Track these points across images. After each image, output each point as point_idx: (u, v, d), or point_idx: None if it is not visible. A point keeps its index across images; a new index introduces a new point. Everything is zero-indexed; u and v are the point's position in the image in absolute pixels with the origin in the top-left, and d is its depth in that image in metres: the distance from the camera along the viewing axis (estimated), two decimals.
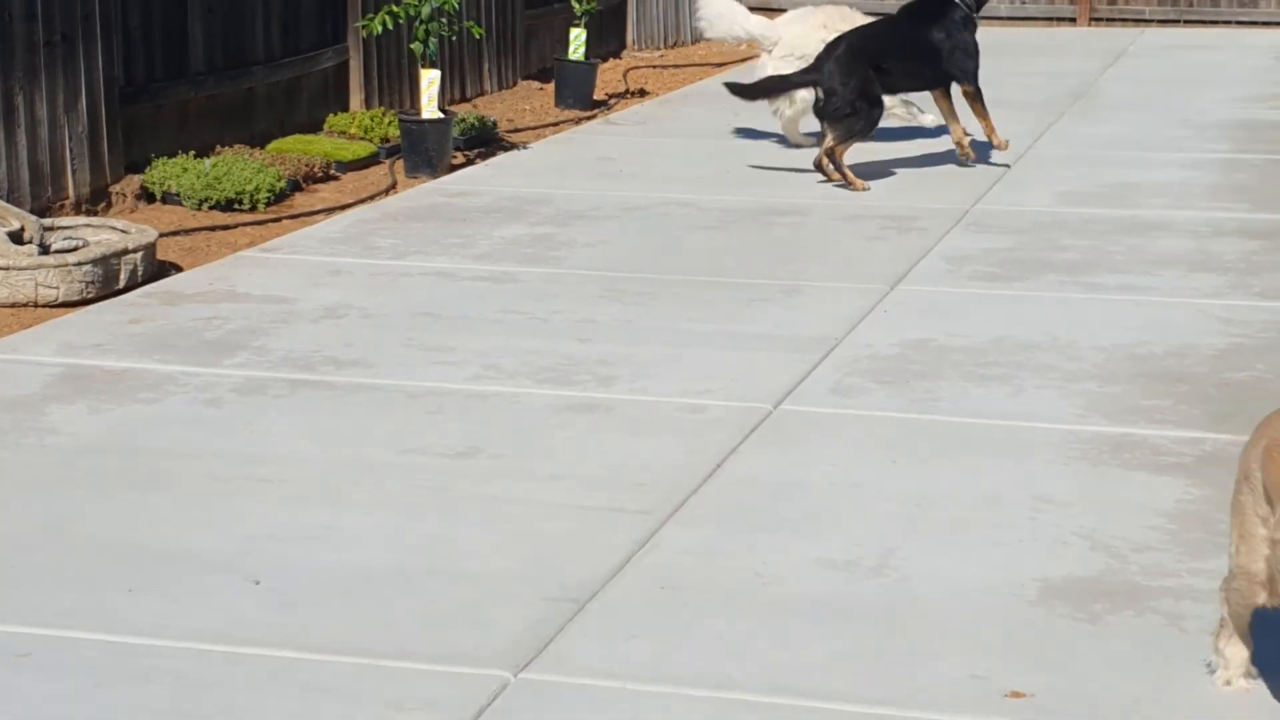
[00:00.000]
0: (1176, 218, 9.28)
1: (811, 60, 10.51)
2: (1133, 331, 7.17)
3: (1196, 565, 4.83)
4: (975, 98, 10.55)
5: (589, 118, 13.16)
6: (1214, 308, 7.52)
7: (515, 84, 14.35)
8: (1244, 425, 5.97)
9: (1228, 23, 18.31)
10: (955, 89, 10.57)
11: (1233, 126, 12.21)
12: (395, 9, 11.00)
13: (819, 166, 10.27)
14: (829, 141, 10.20)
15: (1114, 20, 18.45)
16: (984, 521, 5.17)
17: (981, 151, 10.75)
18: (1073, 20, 18.32)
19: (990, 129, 10.56)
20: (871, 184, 10.20)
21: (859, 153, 10.55)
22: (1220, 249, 8.57)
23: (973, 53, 10.56)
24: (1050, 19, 18.42)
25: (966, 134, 10.60)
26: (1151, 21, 18.39)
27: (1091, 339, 7.06)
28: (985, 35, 17.35)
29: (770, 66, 11.44)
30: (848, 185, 10.11)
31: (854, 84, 10.13)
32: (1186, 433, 5.94)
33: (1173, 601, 4.60)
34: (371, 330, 7.22)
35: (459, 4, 11.32)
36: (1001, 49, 15.37)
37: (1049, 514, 5.22)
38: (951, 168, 10.67)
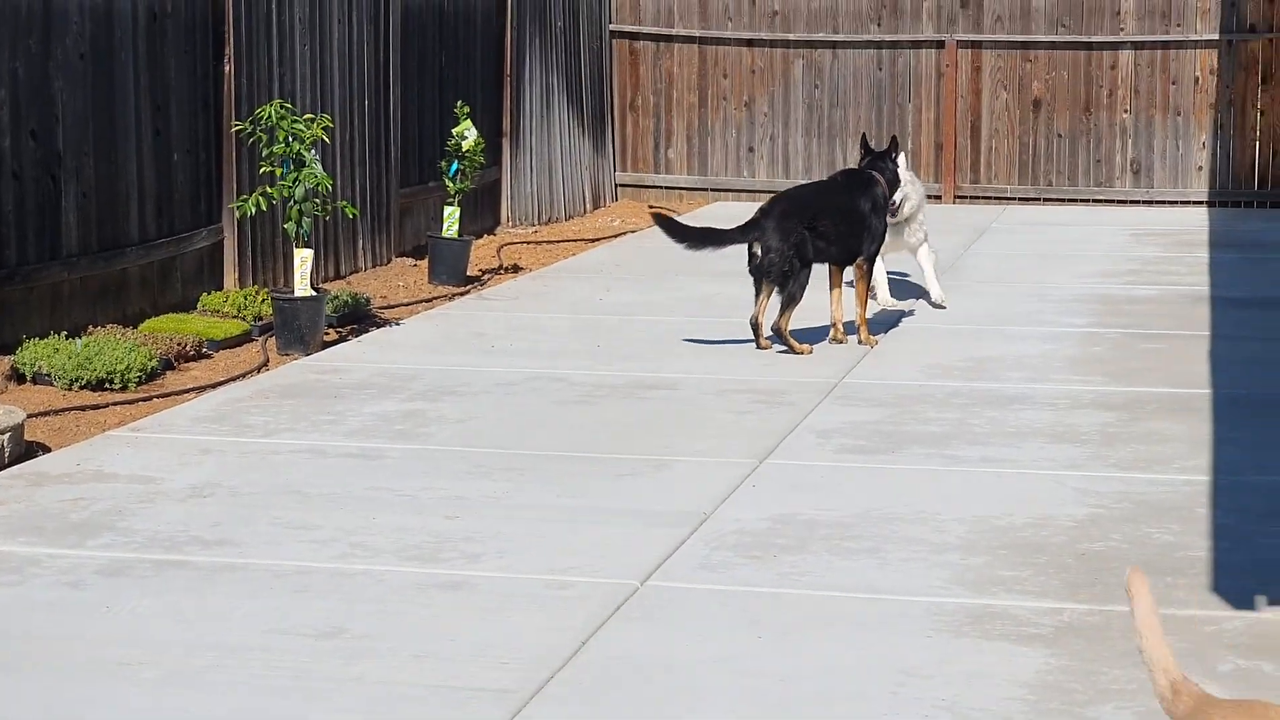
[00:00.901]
0: (1037, 390, 9.47)
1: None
2: (994, 503, 7.29)
3: None
4: (865, 279, 10.88)
5: (462, 294, 13.26)
6: (1072, 479, 7.67)
7: (390, 261, 14.44)
8: (1101, 595, 6.08)
9: (1085, 200, 18.79)
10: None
11: (1091, 300, 12.50)
12: (269, 190, 11.08)
13: (753, 325, 10.61)
14: (777, 318, 10.44)
15: (977, 198, 18.88)
16: (848, 696, 5.21)
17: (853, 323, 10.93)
18: (939, 198, 18.72)
19: (863, 320, 10.86)
20: (742, 357, 10.33)
21: (729, 320, 10.68)
22: (1078, 421, 8.74)
23: (878, 236, 10.90)
24: None
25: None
26: (1014, 199, 18.84)
27: (955, 511, 7.17)
28: None
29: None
30: (792, 351, 10.43)
31: (791, 243, 10.43)
32: (1045, 603, 6.03)
33: None
34: (239, 509, 7.20)
35: (332, 184, 11.42)
36: None
37: (912, 687, 5.27)
38: (821, 341, 10.83)
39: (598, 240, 16.55)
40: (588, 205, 18.93)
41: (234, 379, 10.06)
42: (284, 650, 5.56)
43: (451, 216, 13.85)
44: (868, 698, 5.18)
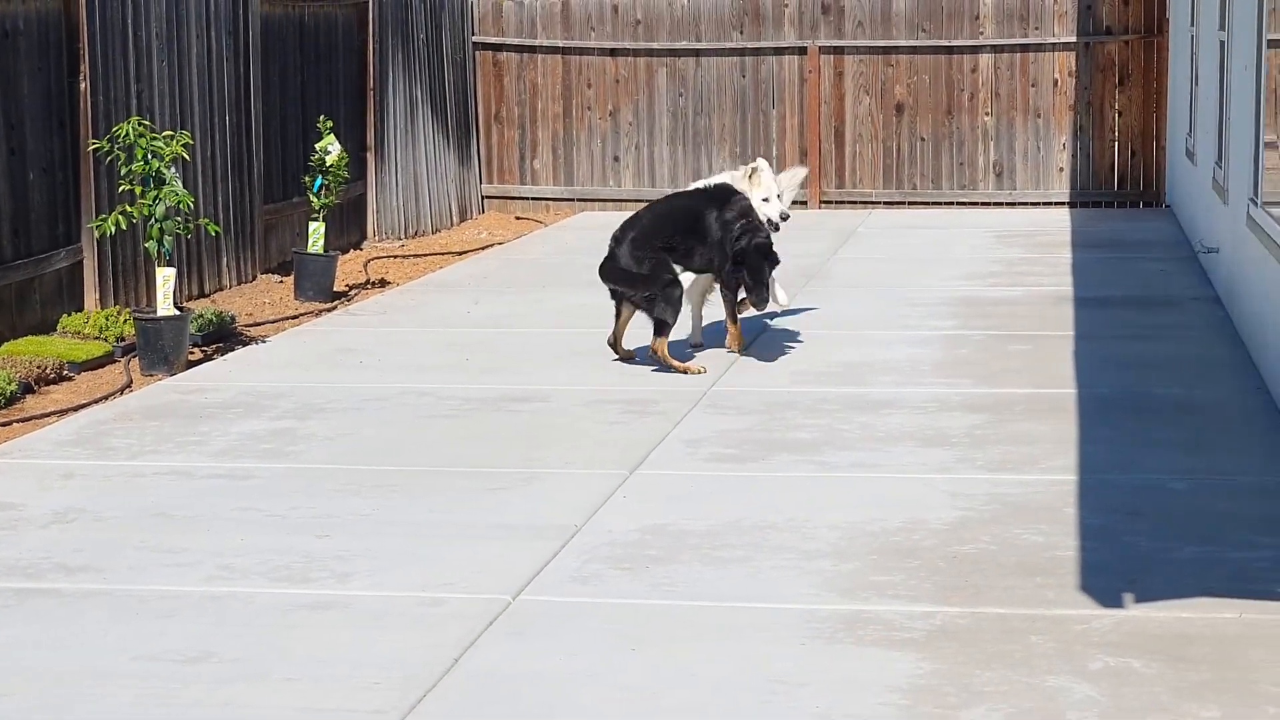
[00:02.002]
0: (905, 394, 9.52)
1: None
2: (865, 508, 7.31)
3: None
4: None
5: (329, 309, 13.16)
6: (942, 482, 7.71)
7: (255, 278, 14.30)
8: (972, 597, 6.12)
9: (950, 203, 18.96)
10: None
11: (956, 303, 12.60)
12: (129, 209, 10.94)
13: (612, 345, 10.54)
14: (652, 341, 10.27)
15: (843, 203, 19.00)
16: (721, 706, 5.20)
17: (717, 337, 10.94)
18: (804, 204, 18.81)
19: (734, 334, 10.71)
20: (612, 368, 10.32)
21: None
22: (947, 424, 8.80)
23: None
24: None
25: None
26: (878, 203, 18.98)
27: (826, 517, 7.19)
28: None
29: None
30: (674, 371, 10.15)
31: (647, 265, 10.33)
32: (918, 607, 6.06)
33: None
34: (103, 533, 7.08)
35: (194, 201, 11.29)
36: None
37: (784, 696, 5.27)
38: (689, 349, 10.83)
39: (465, 253, 16.49)
40: (455, 218, 18.85)
41: (96, 401, 9.91)
42: (152, 676, 5.47)
43: (317, 232, 13.74)
44: (740, 708, 5.18)
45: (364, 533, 7.06)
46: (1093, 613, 5.95)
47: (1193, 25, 15.56)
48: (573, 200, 19.61)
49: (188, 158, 11.71)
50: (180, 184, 10.98)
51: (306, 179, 13.97)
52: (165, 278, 10.81)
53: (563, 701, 5.25)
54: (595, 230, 17.88)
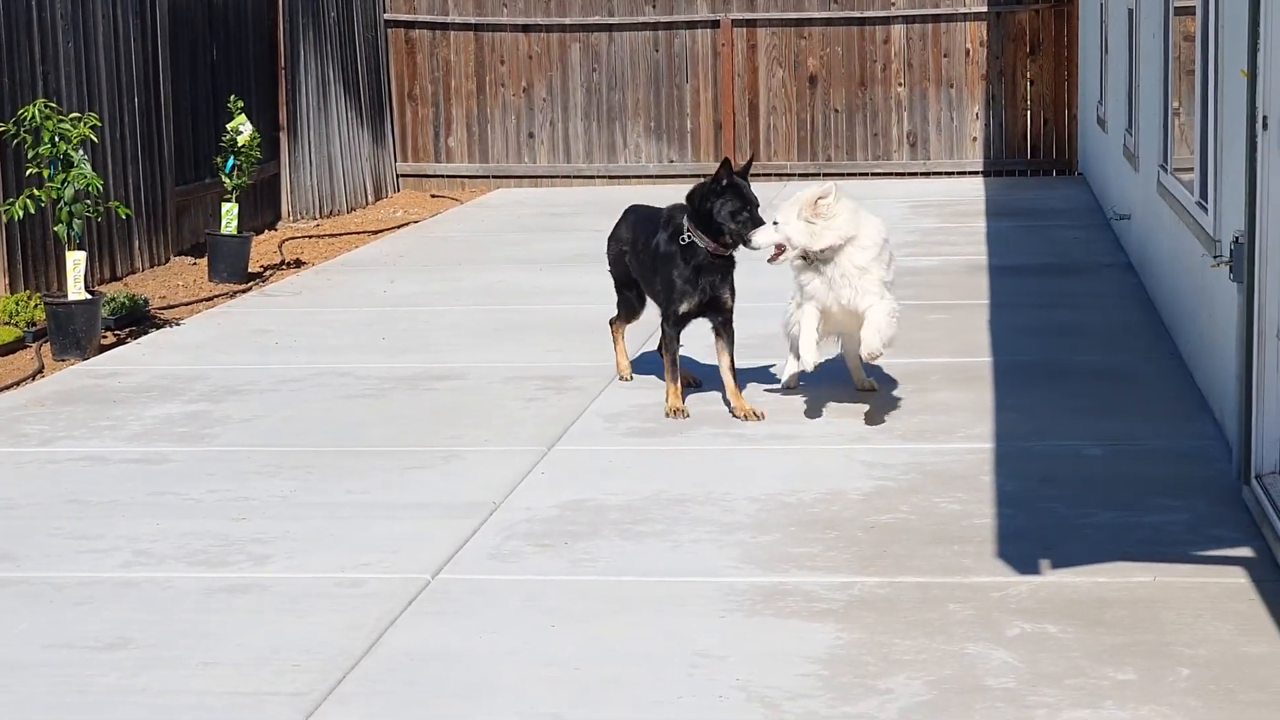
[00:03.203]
0: (823, 365, 9.50)
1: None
2: (784, 480, 7.33)
3: (847, 709, 4.93)
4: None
5: (244, 291, 13.06)
6: (861, 452, 7.74)
7: (168, 260, 14.17)
8: (890, 567, 6.15)
9: (865, 174, 19.02)
10: None
11: None
12: (37, 192, 10.81)
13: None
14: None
15: (758, 175, 18.96)
16: (643, 680, 5.20)
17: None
18: None
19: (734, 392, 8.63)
20: (528, 345, 10.30)
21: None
22: (864, 394, 8.81)
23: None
24: (698, 175, 18.86)
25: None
26: (794, 175, 19.01)
27: (745, 490, 7.20)
28: (634, 193, 17.71)
29: None
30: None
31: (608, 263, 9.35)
32: (836, 577, 6.08)
33: None
34: (16, 521, 7.01)
35: (103, 184, 11.17)
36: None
37: (706, 668, 5.28)
38: (604, 324, 10.80)
39: (380, 232, 16.41)
40: (369, 197, 18.76)
41: (7, 387, 9.80)
42: (67, 664, 5.42)
43: (230, 213, 13.63)
44: (662, 681, 5.18)
45: (281, 514, 7.02)
46: (1010, 580, 5.99)
47: None
48: (488, 177, 19.55)
49: (96, 140, 11.58)
50: (89, 166, 10.87)
51: (219, 160, 13.85)
52: (75, 261, 10.70)
53: (485, 680, 5.23)
54: (511, 207, 17.85)
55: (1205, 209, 8.44)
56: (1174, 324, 9.93)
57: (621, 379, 9.32)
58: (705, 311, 8.58)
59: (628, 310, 9.37)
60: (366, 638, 5.59)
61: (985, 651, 5.33)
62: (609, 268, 9.36)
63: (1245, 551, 6.19)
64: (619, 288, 9.34)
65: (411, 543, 6.59)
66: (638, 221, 9.11)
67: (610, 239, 9.35)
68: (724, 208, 8.33)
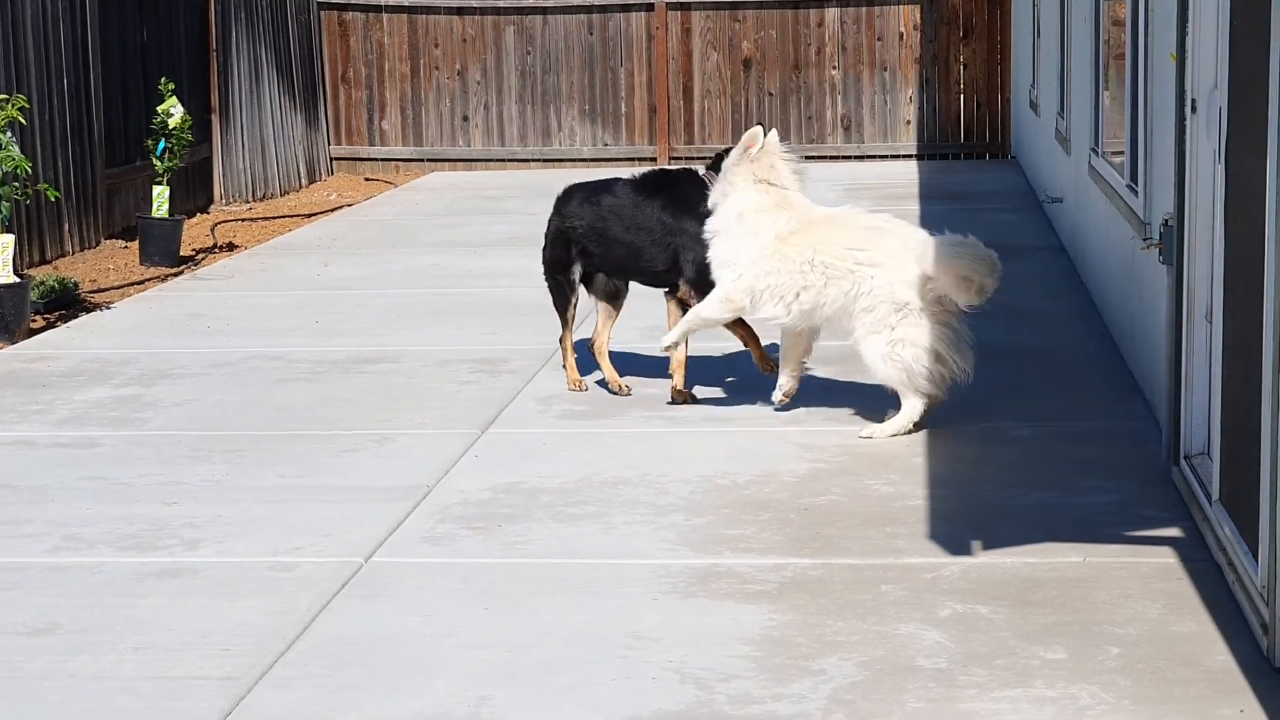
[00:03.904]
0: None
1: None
2: (718, 462, 7.34)
3: (779, 690, 4.94)
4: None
5: (176, 274, 12.98)
6: (794, 434, 7.76)
7: (99, 244, 14.07)
8: (823, 548, 6.17)
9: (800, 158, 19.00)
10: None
11: None
12: None
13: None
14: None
15: (692, 158, 18.99)
16: (577, 662, 5.20)
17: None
18: (654, 159, 18.83)
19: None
20: (462, 327, 10.27)
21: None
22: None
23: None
24: (632, 159, 18.89)
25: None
26: None
27: (678, 472, 7.20)
28: (569, 176, 17.73)
29: None
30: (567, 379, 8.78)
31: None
32: (769, 559, 6.09)
33: None
34: None
35: (32, 167, 11.07)
36: None
37: (640, 650, 5.28)
38: (539, 305, 10.78)
39: (314, 215, 16.34)
40: (303, 180, 18.67)
41: None
42: None
43: (161, 196, 13.54)
44: (596, 663, 5.18)
45: (213, 499, 6.98)
46: (942, 560, 6.02)
47: None
48: (422, 160, 19.49)
49: (24, 122, 11.48)
50: (17, 149, 10.78)
51: (150, 142, 13.76)
52: (3, 244, 10.61)
53: (418, 662, 5.22)
54: (446, 190, 17.80)
55: (1135, 192, 8.49)
56: (1105, 306, 9.99)
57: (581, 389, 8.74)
58: None
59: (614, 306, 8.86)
60: (299, 621, 5.57)
61: (917, 632, 5.35)
62: (562, 259, 8.69)
63: (1174, 532, 6.24)
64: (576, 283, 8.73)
65: (344, 526, 6.57)
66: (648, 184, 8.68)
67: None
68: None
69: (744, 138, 8.03)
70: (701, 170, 8.61)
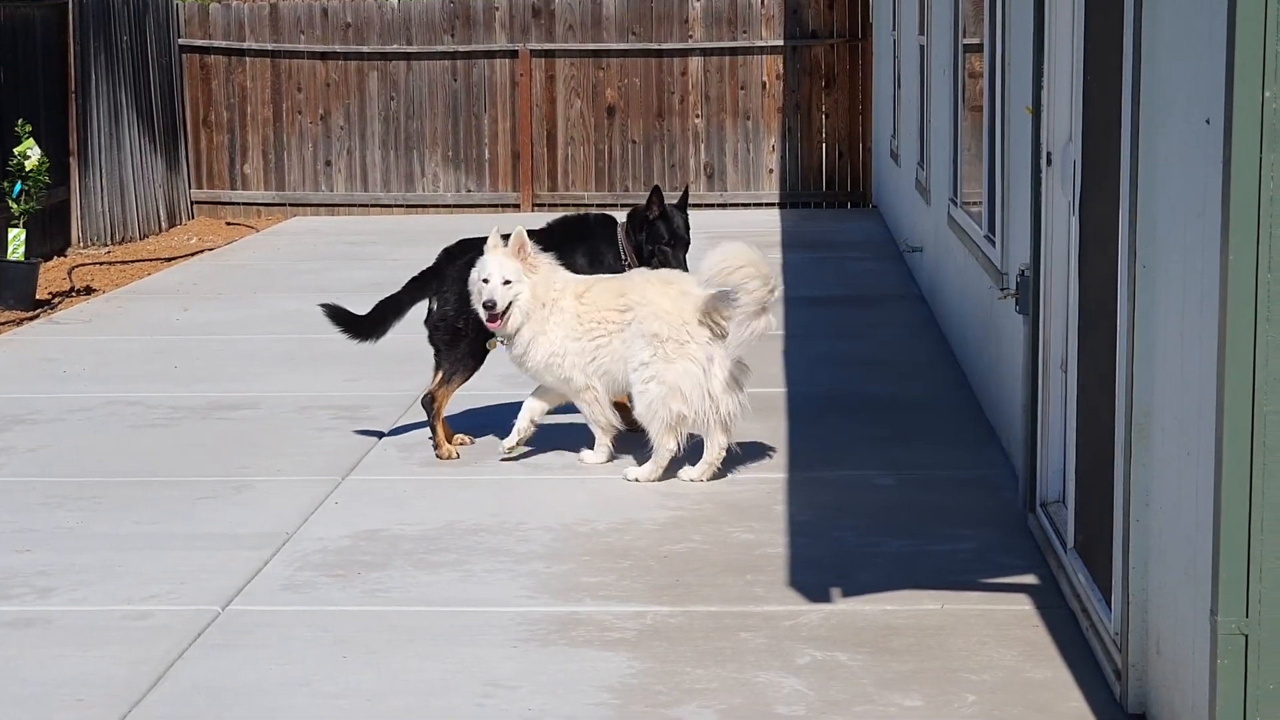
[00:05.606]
0: None
1: None
2: (579, 510, 7.33)
3: None
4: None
5: (31, 318, 12.80)
6: (655, 484, 7.76)
7: None
8: (682, 596, 6.18)
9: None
10: None
11: None
12: None
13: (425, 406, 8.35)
14: (433, 382, 8.39)
15: (555, 205, 19.03)
16: (435, 711, 5.17)
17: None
18: (517, 206, 18.84)
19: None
20: (323, 374, 10.20)
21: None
22: None
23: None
24: (496, 205, 18.89)
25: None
26: (591, 205, 19.04)
27: (539, 519, 7.19)
28: (430, 221, 17.62)
29: None
30: (435, 446, 8.26)
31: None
32: (629, 607, 6.09)
33: None
34: None
35: None
36: (451, 235, 15.62)
37: (498, 698, 5.26)
38: (401, 352, 10.74)
39: (174, 259, 16.17)
40: (163, 224, 18.48)
41: None
42: None
43: (17, 238, 13.36)
44: (455, 712, 5.16)
45: (67, 547, 6.88)
46: (801, 608, 6.05)
47: (894, 29, 15.92)
48: (284, 205, 19.36)
49: None
50: None
51: (5, 184, 13.57)
52: None
53: (276, 711, 5.17)
54: (307, 235, 17.69)
55: (993, 242, 8.61)
56: (963, 355, 10.11)
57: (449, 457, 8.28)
58: None
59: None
60: (153, 671, 5.49)
61: (776, 679, 5.37)
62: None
63: (1030, 579, 6.31)
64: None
65: (201, 574, 6.50)
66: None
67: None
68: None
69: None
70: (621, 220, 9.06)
